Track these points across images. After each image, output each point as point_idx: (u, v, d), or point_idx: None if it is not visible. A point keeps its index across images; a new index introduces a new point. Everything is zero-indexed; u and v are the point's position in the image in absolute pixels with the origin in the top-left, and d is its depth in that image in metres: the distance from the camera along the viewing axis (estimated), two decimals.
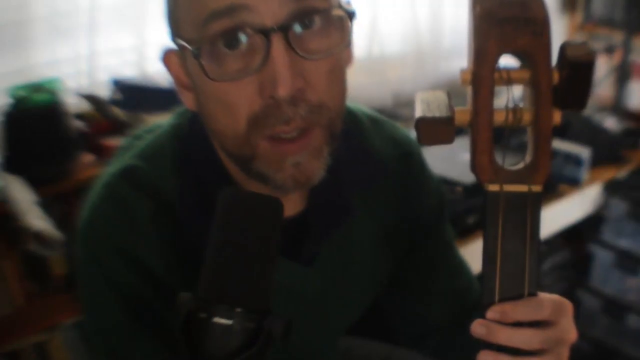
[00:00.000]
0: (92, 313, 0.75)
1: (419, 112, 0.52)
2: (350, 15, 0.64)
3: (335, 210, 0.79)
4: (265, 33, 0.60)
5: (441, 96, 0.54)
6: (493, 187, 0.53)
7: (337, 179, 0.74)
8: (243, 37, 0.61)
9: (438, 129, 0.52)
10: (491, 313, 0.55)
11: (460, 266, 0.92)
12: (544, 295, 0.59)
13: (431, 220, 0.90)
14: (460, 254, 0.94)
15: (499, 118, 0.52)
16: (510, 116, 0.52)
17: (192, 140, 0.75)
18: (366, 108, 0.89)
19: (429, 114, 0.52)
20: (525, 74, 0.52)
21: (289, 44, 0.60)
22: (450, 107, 0.53)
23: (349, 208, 0.80)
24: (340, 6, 0.64)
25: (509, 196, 0.53)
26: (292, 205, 0.76)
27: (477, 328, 0.56)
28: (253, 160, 0.66)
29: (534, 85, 0.51)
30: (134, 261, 0.72)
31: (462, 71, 0.51)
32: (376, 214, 0.84)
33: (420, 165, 0.89)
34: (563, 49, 0.51)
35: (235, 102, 0.63)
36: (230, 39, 0.61)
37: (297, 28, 0.61)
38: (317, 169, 0.66)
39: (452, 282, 0.91)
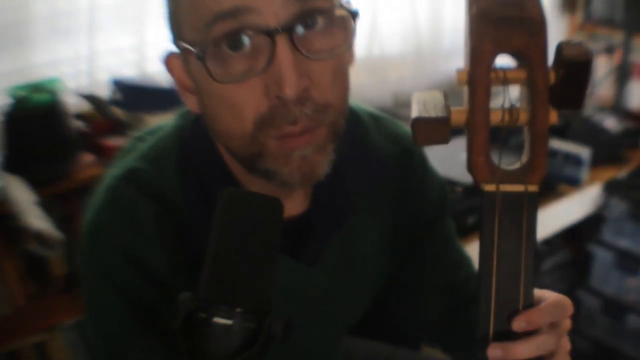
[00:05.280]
0: (96, 315, 0.75)
1: (415, 112, 0.52)
2: (353, 14, 0.65)
3: (338, 209, 0.79)
4: (270, 34, 0.60)
5: (437, 96, 0.55)
6: (489, 187, 0.53)
7: (340, 177, 0.74)
8: (246, 39, 0.61)
9: (434, 129, 0.52)
10: (517, 323, 0.55)
11: (461, 259, 0.93)
12: (545, 293, 0.60)
13: (432, 215, 0.90)
14: (460, 246, 0.95)
15: (495, 118, 0.52)
16: (507, 116, 0.52)
17: (195, 141, 0.75)
18: (367, 106, 0.89)
19: (425, 114, 0.52)
20: (522, 74, 0.52)
21: (293, 45, 0.60)
22: (447, 107, 0.53)
23: (351, 206, 0.81)
24: (342, 6, 0.64)
25: (505, 196, 0.53)
26: (296, 205, 0.77)
27: (493, 352, 0.56)
28: (260, 159, 0.66)
29: (530, 85, 0.51)
30: (138, 263, 0.72)
31: (458, 71, 0.51)
32: (378, 211, 0.85)
33: (421, 162, 0.89)
34: (559, 48, 0.51)
35: (241, 104, 0.63)
36: (234, 40, 0.61)
37: (300, 29, 0.61)
38: (323, 164, 0.67)
39: (452, 276, 0.91)
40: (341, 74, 0.67)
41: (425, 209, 0.89)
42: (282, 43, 0.60)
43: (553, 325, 0.60)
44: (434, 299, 0.92)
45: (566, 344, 0.63)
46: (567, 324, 0.63)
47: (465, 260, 0.93)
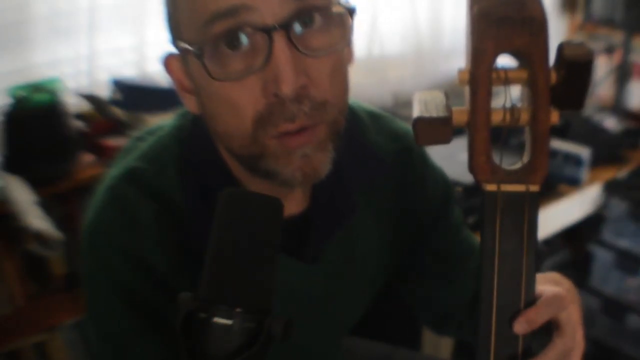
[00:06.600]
0: (96, 315, 0.75)
1: (416, 112, 0.52)
2: (351, 11, 0.65)
3: (338, 208, 0.79)
4: (267, 32, 0.60)
5: (439, 96, 0.55)
6: (490, 187, 0.53)
7: (340, 176, 0.74)
8: (244, 37, 0.61)
9: (435, 129, 0.52)
10: (518, 325, 0.55)
11: (471, 247, 0.93)
12: (544, 289, 0.60)
13: (437, 209, 0.90)
14: (469, 234, 0.95)
15: (496, 118, 0.52)
16: (508, 116, 0.52)
17: (195, 141, 0.75)
18: (365, 104, 0.89)
19: (426, 114, 0.52)
20: (523, 74, 0.52)
21: (291, 42, 0.60)
22: (448, 107, 0.53)
23: (351, 205, 0.81)
24: (340, 3, 0.65)
25: (506, 196, 0.53)
26: (296, 204, 0.77)
27: None
28: (261, 159, 0.66)
29: (531, 85, 0.51)
30: (139, 263, 0.72)
31: (460, 71, 0.51)
32: (378, 210, 0.85)
33: (420, 158, 0.89)
34: (561, 48, 0.51)
35: (239, 102, 0.63)
36: (232, 39, 0.61)
37: (298, 26, 0.62)
38: (324, 162, 0.67)
39: (465, 264, 0.91)
40: (340, 72, 0.67)
41: (429, 203, 0.89)
42: (279, 40, 0.60)
43: (558, 324, 0.61)
44: (451, 289, 0.92)
45: (580, 340, 0.65)
46: (576, 316, 0.64)
47: (475, 247, 0.93)
